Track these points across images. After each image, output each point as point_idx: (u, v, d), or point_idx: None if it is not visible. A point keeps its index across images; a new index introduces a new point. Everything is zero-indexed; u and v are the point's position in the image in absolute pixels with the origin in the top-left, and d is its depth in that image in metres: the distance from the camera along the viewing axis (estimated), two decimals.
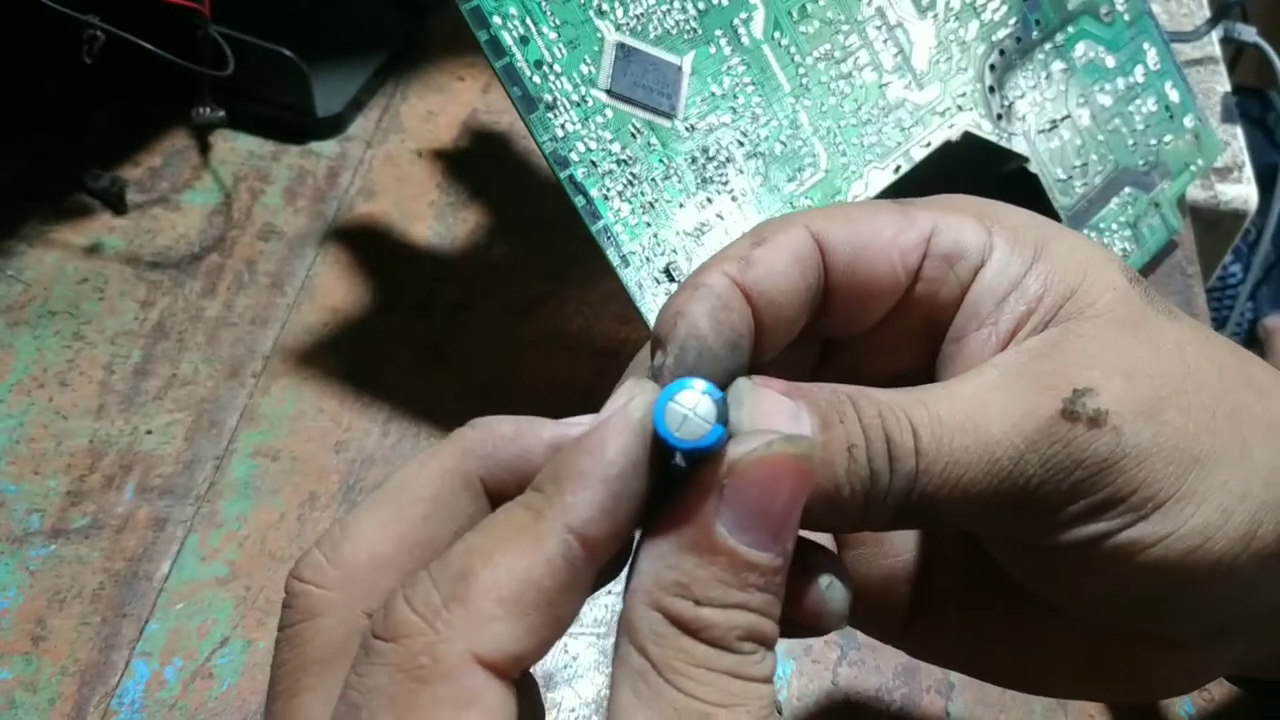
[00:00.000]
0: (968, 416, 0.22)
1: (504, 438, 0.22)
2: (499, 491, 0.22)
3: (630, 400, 0.21)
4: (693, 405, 0.20)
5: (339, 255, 0.53)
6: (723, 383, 0.22)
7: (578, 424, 0.22)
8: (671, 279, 0.39)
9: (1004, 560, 0.25)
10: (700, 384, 0.20)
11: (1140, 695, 0.33)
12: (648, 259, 0.39)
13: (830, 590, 0.24)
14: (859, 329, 0.26)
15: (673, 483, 0.21)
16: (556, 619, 0.20)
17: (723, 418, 0.20)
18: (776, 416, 0.21)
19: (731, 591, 0.20)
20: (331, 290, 0.51)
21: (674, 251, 0.39)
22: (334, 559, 0.22)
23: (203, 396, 0.46)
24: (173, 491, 0.43)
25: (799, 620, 0.24)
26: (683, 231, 0.40)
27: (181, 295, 0.50)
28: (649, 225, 0.39)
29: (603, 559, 0.20)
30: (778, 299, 0.23)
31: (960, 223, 0.25)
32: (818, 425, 0.22)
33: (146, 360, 0.47)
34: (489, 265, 0.53)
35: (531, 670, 0.24)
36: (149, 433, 0.45)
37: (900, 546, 0.28)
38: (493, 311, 0.51)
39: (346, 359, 0.48)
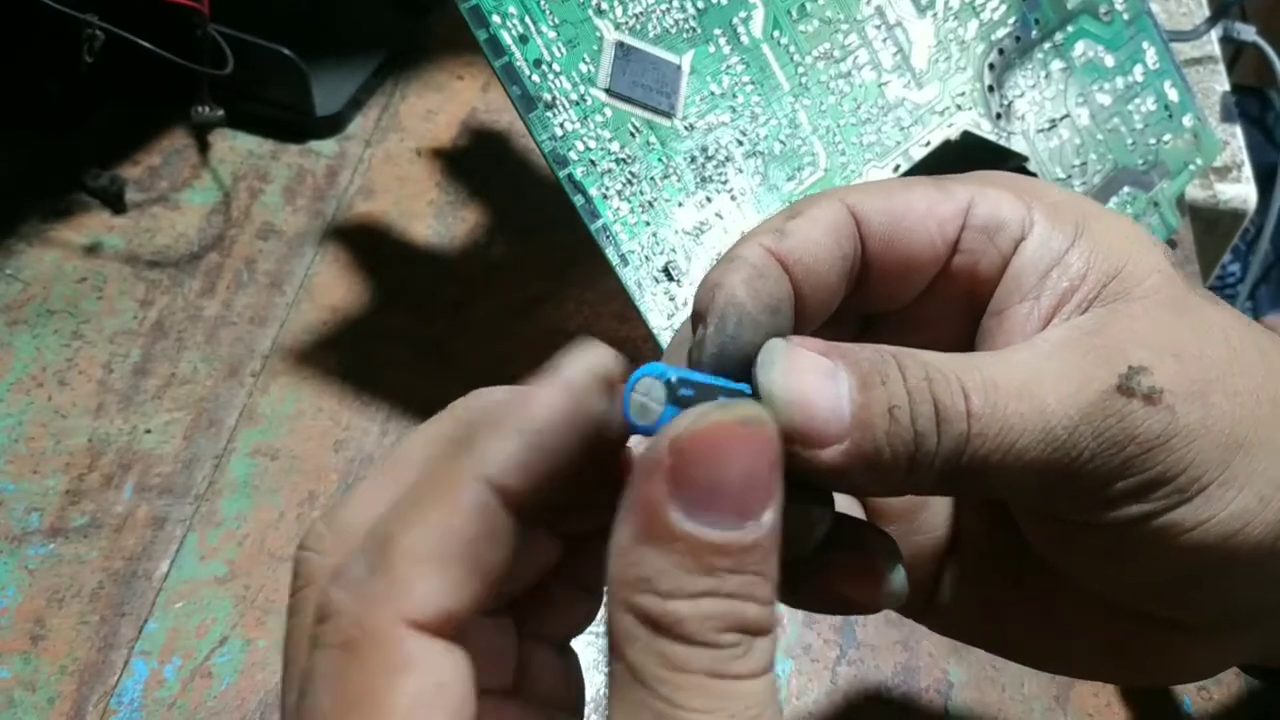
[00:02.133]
0: (1023, 383, 0.21)
1: (496, 405, 0.22)
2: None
3: (564, 363, 0.21)
4: (646, 390, 0.20)
5: (338, 254, 0.53)
6: (752, 351, 0.22)
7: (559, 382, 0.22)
8: (671, 278, 0.39)
9: (1036, 536, 0.25)
10: (665, 370, 0.20)
11: (1156, 679, 0.33)
12: (647, 258, 0.39)
13: (892, 571, 0.23)
14: (898, 303, 0.25)
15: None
16: (483, 569, 0.19)
17: (675, 400, 0.20)
18: (809, 375, 0.21)
19: (697, 579, 0.19)
20: (331, 289, 0.51)
21: (673, 250, 0.39)
22: (333, 527, 0.22)
23: (202, 395, 0.46)
24: (172, 490, 0.43)
25: (855, 599, 0.23)
26: (682, 230, 0.40)
27: (181, 294, 0.50)
28: (648, 224, 0.39)
29: (525, 512, 0.20)
30: (815, 269, 0.23)
31: (998, 196, 0.24)
32: (856, 385, 0.21)
33: (145, 359, 0.47)
34: (488, 264, 0.53)
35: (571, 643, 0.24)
36: (148, 432, 0.45)
37: (931, 523, 0.28)
38: (492, 310, 0.51)
39: (346, 358, 0.48)
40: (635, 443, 0.21)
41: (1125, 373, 0.21)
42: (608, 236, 0.38)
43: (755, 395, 0.21)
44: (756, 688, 0.19)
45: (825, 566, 0.24)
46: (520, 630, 0.23)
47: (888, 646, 0.41)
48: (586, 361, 0.20)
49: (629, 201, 0.39)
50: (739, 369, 0.22)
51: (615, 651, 0.19)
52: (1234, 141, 0.60)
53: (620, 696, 0.19)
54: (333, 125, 0.58)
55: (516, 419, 0.20)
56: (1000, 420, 0.21)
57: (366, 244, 0.53)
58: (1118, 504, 0.22)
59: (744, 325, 0.22)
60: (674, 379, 0.20)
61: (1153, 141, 0.51)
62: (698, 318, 0.22)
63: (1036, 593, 0.27)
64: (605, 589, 0.20)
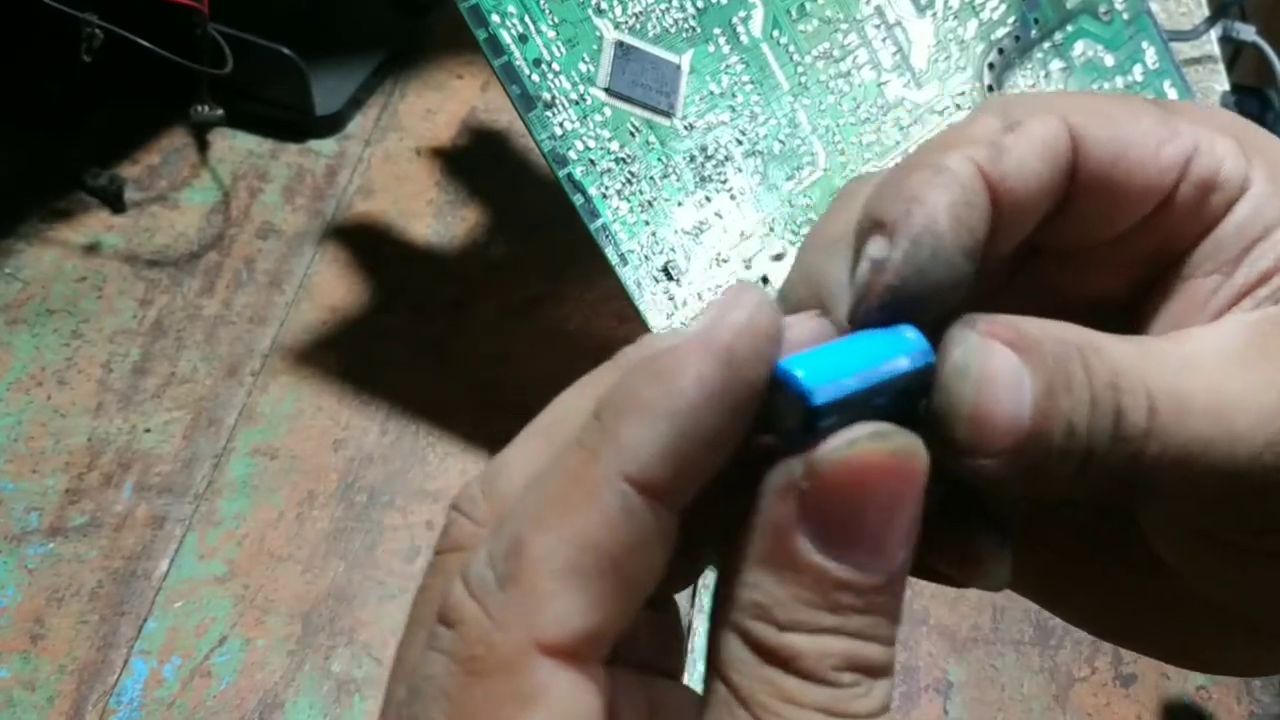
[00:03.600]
0: (1212, 399, 0.19)
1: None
2: None
3: (719, 315, 0.17)
4: (784, 392, 0.16)
5: (338, 254, 0.53)
6: (943, 301, 0.18)
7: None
8: (670, 277, 0.39)
9: (1165, 540, 0.22)
10: (806, 367, 0.16)
11: (1225, 670, 0.30)
12: (646, 257, 0.39)
13: (998, 551, 0.20)
14: (1081, 244, 0.22)
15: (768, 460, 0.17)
16: (629, 582, 0.17)
17: (824, 410, 0.16)
18: (998, 386, 0.18)
19: (820, 615, 0.17)
20: (330, 289, 0.51)
21: (672, 250, 0.39)
22: (488, 492, 0.19)
23: (201, 395, 0.46)
24: (171, 490, 0.43)
25: (951, 575, 0.21)
26: (681, 230, 0.40)
27: (180, 294, 0.50)
28: (647, 224, 0.39)
29: (677, 506, 0.17)
30: (1023, 201, 0.19)
31: (1225, 146, 0.21)
32: (1041, 392, 0.18)
33: (145, 359, 0.47)
34: (487, 263, 0.53)
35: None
36: (147, 431, 0.45)
37: None
38: (491, 310, 0.51)
39: (345, 357, 0.48)
40: (714, 371, 0.17)
41: None
42: (607, 236, 0.38)
43: (928, 371, 0.18)
44: None
45: (923, 538, 0.20)
46: None
47: None
48: (748, 316, 0.17)
49: (628, 201, 0.39)
50: (905, 310, 0.18)
51: (717, 670, 0.17)
52: None
53: (718, 717, 0.17)
54: (332, 125, 0.58)
55: (665, 398, 0.17)
56: (1182, 441, 0.18)
57: (366, 243, 0.53)
58: None
59: (937, 262, 0.18)
60: (814, 397, 0.17)
61: None
62: (876, 228, 0.18)
63: (1117, 567, 0.24)
64: (714, 605, 0.18)
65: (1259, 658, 0.24)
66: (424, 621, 0.18)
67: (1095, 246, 0.22)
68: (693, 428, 0.16)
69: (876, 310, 0.18)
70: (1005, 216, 0.19)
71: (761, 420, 0.17)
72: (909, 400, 0.18)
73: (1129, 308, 0.22)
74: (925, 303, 0.18)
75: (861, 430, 0.17)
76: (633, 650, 0.20)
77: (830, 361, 0.17)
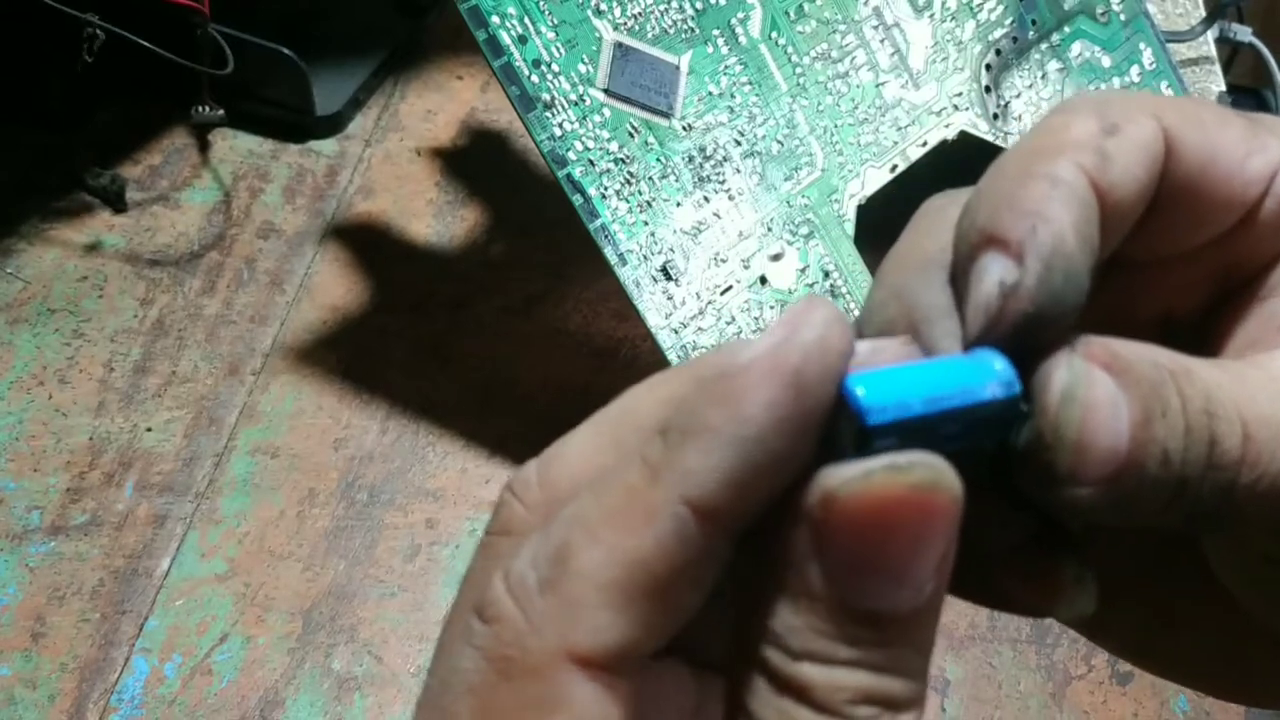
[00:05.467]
0: None
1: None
2: None
3: (789, 335, 0.16)
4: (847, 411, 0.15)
5: (338, 253, 0.53)
6: (1067, 324, 0.17)
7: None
8: (669, 277, 0.40)
9: (1233, 570, 0.21)
10: (871, 386, 0.15)
11: (1268, 702, 0.29)
12: (645, 257, 0.39)
13: (1079, 585, 0.19)
14: (1164, 255, 0.21)
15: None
16: (672, 606, 0.17)
17: (882, 429, 0.15)
18: (1100, 413, 0.17)
19: (836, 647, 0.16)
20: (331, 288, 0.51)
21: (671, 250, 0.40)
22: (543, 479, 0.19)
23: (202, 394, 0.46)
24: (172, 488, 0.43)
25: (1033, 604, 0.20)
26: (680, 230, 0.40)
27: (181, 293, 0.50)
28: (646, 224, 0.39)
29: (732, 533, 0.17)
30: (1126, 211, 0.18)
31: None
32: (1138, 421, 0.17)
33: (146, 358, 0.47)
34: (487, 263, 0.53)
35: None
36: (149, 430, 0.45)
37: None
38: (491, 309, 0.51)
39: (346, 357, 0.48)
40: (782, 396, 0.16)
41: None
42: (606, 236, 0.39)
43: (1016, 401, 0.17)
44: None
45: (999, 565, 0.20)
46: None
47: None
48: (819, 335, 0.16)
49: (627, 201, 0.39)
50: (1029, 336, 0.17)
51: (735, 698, 0.17)
52: None
53: None
54: (332, 125, 0.58)
55: (731, 423, 0.16)
56: (1277, 470, 0.18)
57: (366, 243, 0.53)
58: None
59: (1069, 286, 0.17)
60: (870, 417, 0.15)
61: None
62: (995, 244, 0.17)
63: (1170, 596, 0.23)
64: (732, 631, 0.17)
65: None
66: (465, 608, 0.18)
67: (1173, 259, 0.21)
68: (758, 455, 0.16)
69: (1005, 337, 0.17)
70: (1108, 227, 0.18)
71: (825, 439, 0.16)
72: (986, 431, 0.17)
73: (1201, 327, 0.21)
74: (1049, 329, 0.17)
75: (878, 461, 0.16)
76: (687, 643, 0.20)
77: (900, 382, 0.16)
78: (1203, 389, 0.18)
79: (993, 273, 0.17)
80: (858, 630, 0.16)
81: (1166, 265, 0.21)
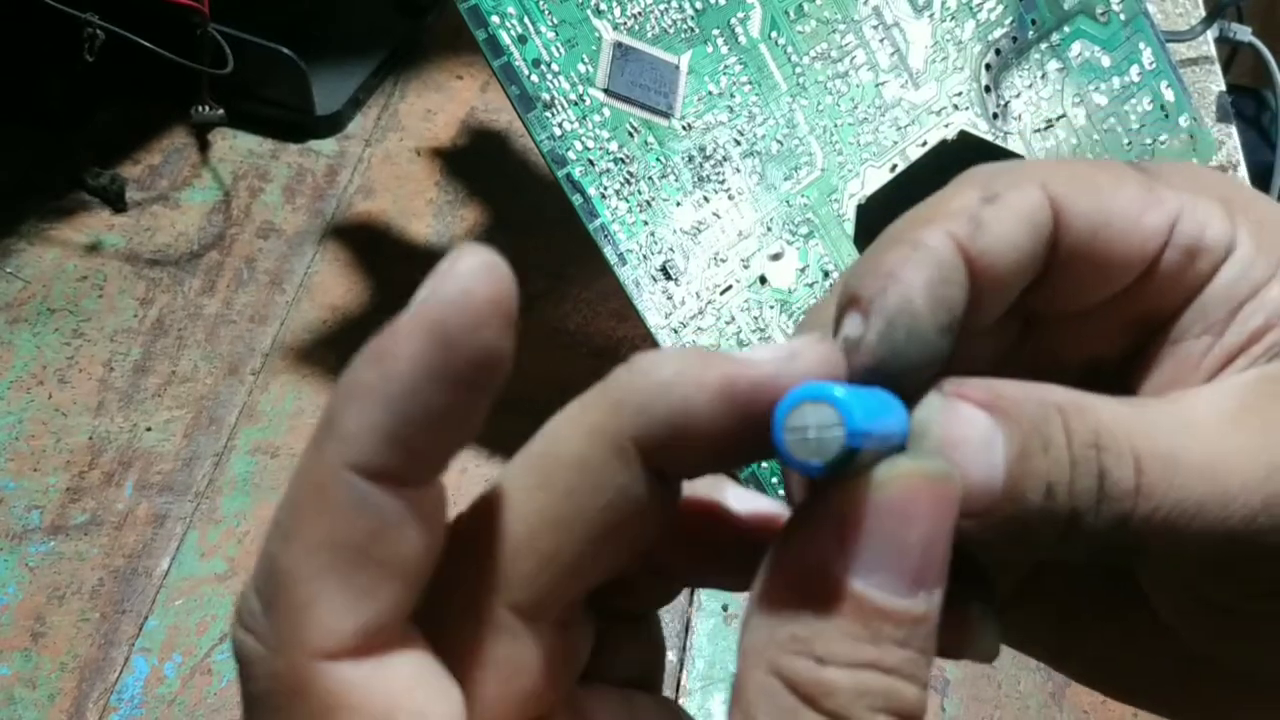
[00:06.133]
0: (1205, 462, 0.18)
1: (659, 386, 0.17)
2: (656, 454, 0.18)
3: (433, 289, 0.16)
4: (814, 419, 0.16)
5: (338, 253, 0.53)
6: (919, 377, 0.18)
7: (757, 360, 0.17)
8: (668, 277, 0.40)
9: (1166, 605, 0.22)
10: (833, 396, 0.16)
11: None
12: (645, 257, 0.39)
13: (984, 621, 0.20)
14: (1071, 311, 0.22)
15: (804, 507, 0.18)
16: (390, 566, 0.16)
17: (860, 434, 0.16)
18: (965, 443, 0.18)
19: (862, 646, 0.16)
20: (330, 288, 0.51)
21: (671, 250, 0.40)
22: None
23: (202, 394, 0.46)
24: (172, 488, 0.43)
25: (944, 645, 0.20)
26: (680, 230, 0.40)
27: (181, 293, 0.50)
28: (646, 223, 0.39)
29: (418, 484, 0.17)
30: (1003, 274, 0.19)
31: (1207, 210, 0.21)
32: (1014, 455, 0.18)
33: (146, 357, 0.47)
34: None
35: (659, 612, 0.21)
36: (148, 430, 0.45)
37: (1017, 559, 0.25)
38: None
39: (345, 356, 0.48)
40: (426, 348, 0.17)
41: None
42: (606, 235, 0.39)
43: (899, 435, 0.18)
44: None
45: None
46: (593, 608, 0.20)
47: None
48: (461, 288, 0.17)
49: (627, 201, 0.39)
50: (894, 387, 0.18)
51: (744, 714, 0.17)
52: (1229, 141, 0.61)
53: None
54: (332, 124, 0.58)
55: (380, 381, 0.16)
56: (1173, 502, 0.18)
57: (366, 243, 0.53)
58: None
59: (912, 342, 0.18)
60: (853, 417, 0.16)
61: (1149, 141, 0.51)
62: (854, 305, 0.18)
63: (1121, 627, 0.24)
64: (743, 643, 0.17)
65: (1272, 716, 0.23)
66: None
67: (1083, 312, 0.22)
68: (412, 408, 0.16)
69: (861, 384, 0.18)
70: (985, 290, 0.19)
71: (774, 444, 0.17)
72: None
73: (1123, 372, 0.22)
74: (900, 380, 0.18)
75: (904, 458, 0.17)
76: (612, 666, 0.20)
77: (864, 400, 0.17)
78: (1092, 424, 0.18)
79: (845, 329, 0.18)
80: (883, 628, 0.16)
81: (1084, 317, 0.22)
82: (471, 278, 0.17)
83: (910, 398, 0.18)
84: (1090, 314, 0.22)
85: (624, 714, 0.20)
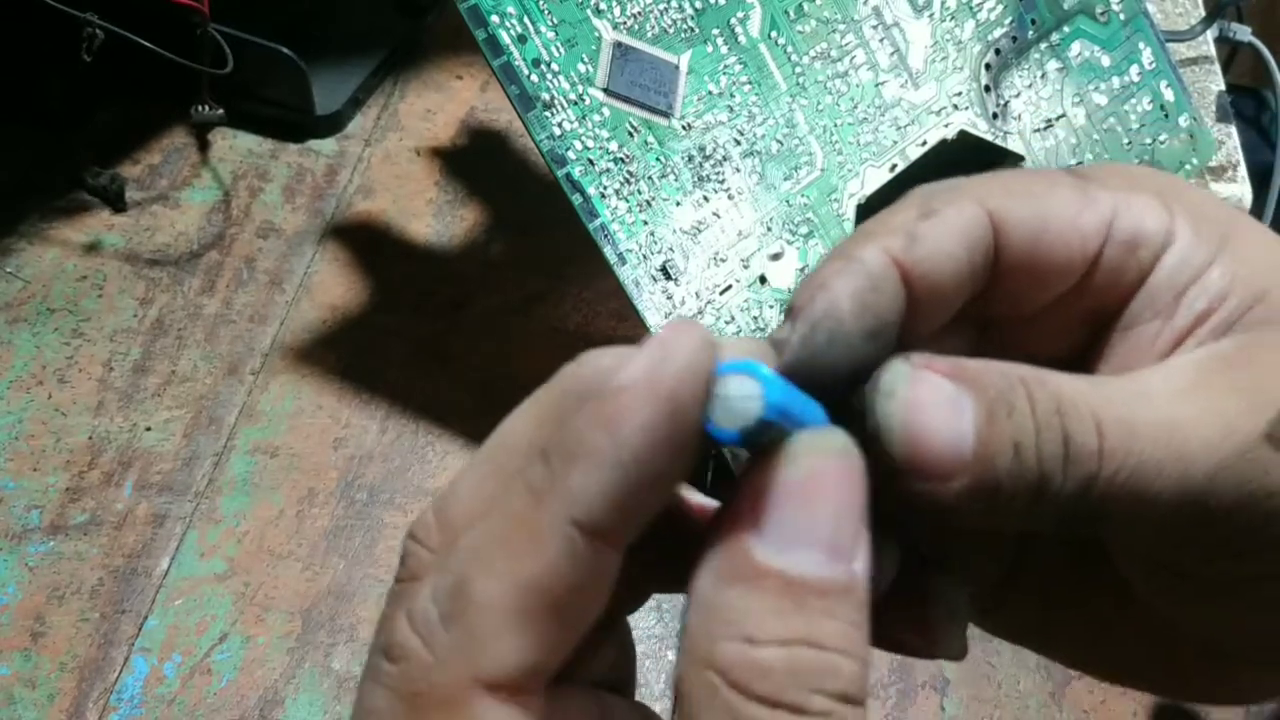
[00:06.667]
0: (1162, 425, 0.19)
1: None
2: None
3: (662, 358, 0.17)
4: (739, 391, 0.17)
5: (337, 253, 0.53)
6: (850, 374, 0.19)
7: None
8: (668, 276, 0.40)
9: (1137, 575, 0.23)
10: (759, 371, 0.17)
11: (1216, 700, 0.31)
12: (644, 256, 0.39)
13: (953, 616, 0.21)
14: (1021, 312, 0.23)
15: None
16: (571, 620, 0.18)
17: (777, 407, 0.17)
18: (933, 406, 0.19)
19: (788, 619, 0.17)
20: (330, 288, 0.51)
21: (671, 249, 0.40)
22: (440, 520, 0.19)
23: (202, 393, 0.46)
24: (171, 488, 0.43)
25: (913, 645, 0.22)
26: (679, 229, 0.40)
27: (180, 293, 0.50)
28: (646, 223, 0.39)
29: (622, 546, 0.18)
30: (940, 283, 0.21)
31: (1143, 205, 0.22)
32: (982, 417, 0.19)
33: (145, 357, 0.47)
34: (487, 262, 0.53)
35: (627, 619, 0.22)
36: (148, 429, 0.45)
37: (996, 544, 0.26)
38: (490, 309, 0.51)
39: (345, 356, 0.48)
40: (659, 416, 0.17)
41: (1274, 419, 0.19)
42: (605, 235, 0.39)
43: (844, 419, 0.19)
44: None
45: (885, 607, 0.21)
46: None
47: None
48: (689, 359, 0.17)
49: (627, 200, 0.39)
50: (817, 387, 0.19)
51: (683, 710, 0.17)
52: (1229, 141, 0.61)
53: None
54: (332, 124, 0.58)
55: (612, 446, 0.17)
56: (1134, 464, 0.19)
57: (366, 242, 0.53)
58: (1249, 559, 0.20)
59: (835, 344, 0.19)
60: (768, 392, 0.17)
61: (1148, 141, 0.51)
62: (789, 314, 0.20)
63: (1100, 607, 0.25)
64: (681, 644, 0.18)
65: (1249, 686, 0.24)
66: (376, 651, 0.19)
67: (1036, 313, 0.23)
68: (638, 474, 0.17)
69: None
70: (923, 299, 0.21)
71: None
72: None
73: (1080, 365, 0.23)
74: (824, 380, 0.19)
75: (803, 434, 0.18)
76: (584, 668, 0.21)
77: (786, 386, 0.18)
78: (1054, 392, 0.19)
79: (773, 333, 0.20)
80: (806, 599, 0.17)
81: (1038, 317, 0.23)
82: (698, 351, 0.17)
83: (834, 401, 0.19)
84: (1043, 314, 0.23)
85: (595, 713, 0.21)
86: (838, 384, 0.19)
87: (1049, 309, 0.23)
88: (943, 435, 0.19)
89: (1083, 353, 0.23)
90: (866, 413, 0.19)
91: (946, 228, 0.21)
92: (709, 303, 0.40)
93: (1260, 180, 0.60)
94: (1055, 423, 0.19)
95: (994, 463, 0.19)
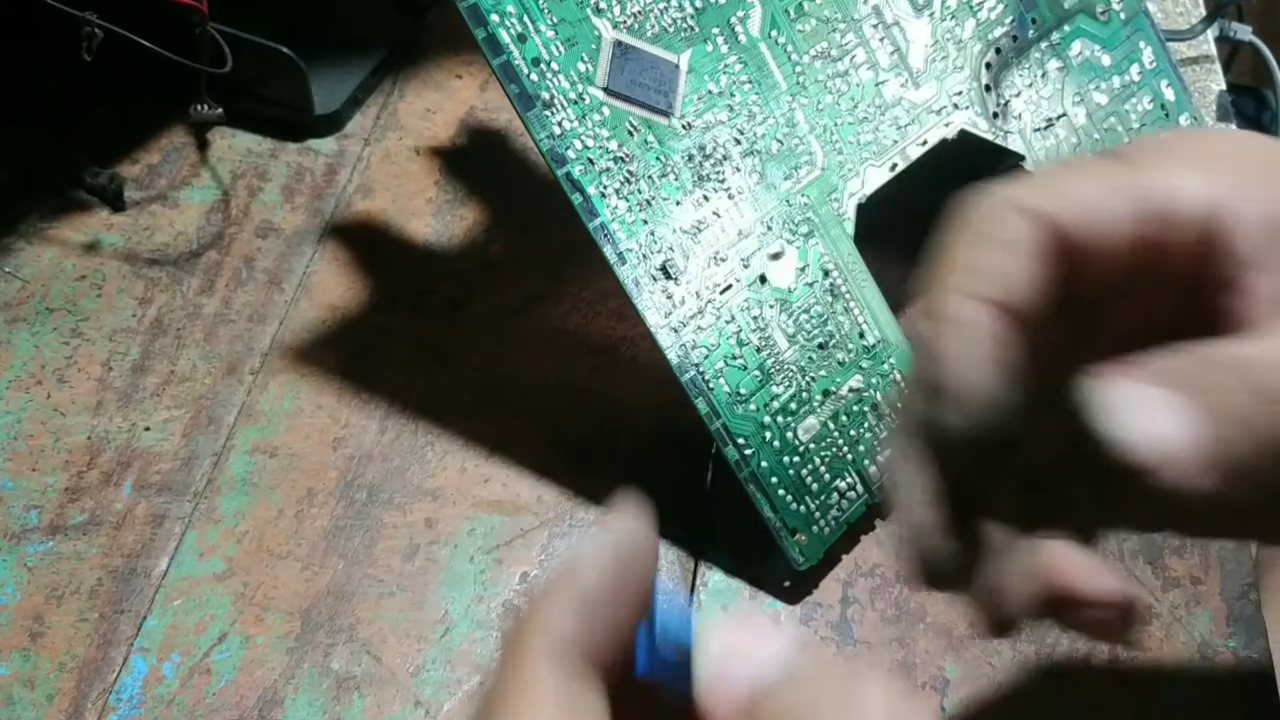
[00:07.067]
0: None
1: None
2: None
3: (610, 526, 0.19)
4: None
5: (337, 252, 0.53)
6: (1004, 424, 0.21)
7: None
8: (668, 276, 0.39)
9: None
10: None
11: None
12: (644, 256, 0.39)
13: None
14: (1100, 289, 0.24)
15: None
16: None
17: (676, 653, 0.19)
18: (1150, 410, 0.19)
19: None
20: (330, 287, 0.51)
21: (671, 249, 0.40)
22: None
23: (201, 393, 0.46)
24: (171, 488, 0.43)
25: (1110, 632, 0.23)
26: (679, 229, 0.40)
27: (180, 292, 0.50)
28: (646, 223, 0.39)
29: (604, 656, 0.19)
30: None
31: (1181, 174, 0.23)
32: (1199, 406, 0.19)
33: (144, 357, 0.47)
34: (486, 262, 0.53)
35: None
36: (147, 429, 0.45)
37: None
38: (490, 309, 0.51)
39: (345, 356, 0.48)
40: (608, 565, 0.20)
41: None
42: (605, 235, 0.38)
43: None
44: None
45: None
46: None
47: (884, 644, 0.41)
48: (623, 524, 0.20)
49: (627, 200, 0.39)
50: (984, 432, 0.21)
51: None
52: None
53: None
54: (331, 123, 0.58)
55: (572, 589, 0.19)
56: None
57: (365, 242, 0.53)
58: None
59: (997, 412, 0.21)
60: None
61: None
62: (929, 387, 0.21)
63: None
64: None
65: None
66: None
67: (1114, 294, 0.23)
68: (595, 597, 0.19)
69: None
70: (1087, 253, 0.22)
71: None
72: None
73: (1177, 330, 0.23)
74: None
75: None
76: None
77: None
78: (1239, 360, 0.20)
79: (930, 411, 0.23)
80: None
81: (1123, 300, 0.24)
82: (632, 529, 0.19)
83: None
84: (1124, 298, 0.23)
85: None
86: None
87: (1131, 280, 0.23)
88: (1173, 431, 0.19)
89: (1179, 317, 0.23)
90: (1091, 438, 0.19)
91: (1083, 183, 0.22)
92: (709, 302, 0.40)
93: None
94: (1260, 385, 0.19)
95: (1236, 449, 0.19)
